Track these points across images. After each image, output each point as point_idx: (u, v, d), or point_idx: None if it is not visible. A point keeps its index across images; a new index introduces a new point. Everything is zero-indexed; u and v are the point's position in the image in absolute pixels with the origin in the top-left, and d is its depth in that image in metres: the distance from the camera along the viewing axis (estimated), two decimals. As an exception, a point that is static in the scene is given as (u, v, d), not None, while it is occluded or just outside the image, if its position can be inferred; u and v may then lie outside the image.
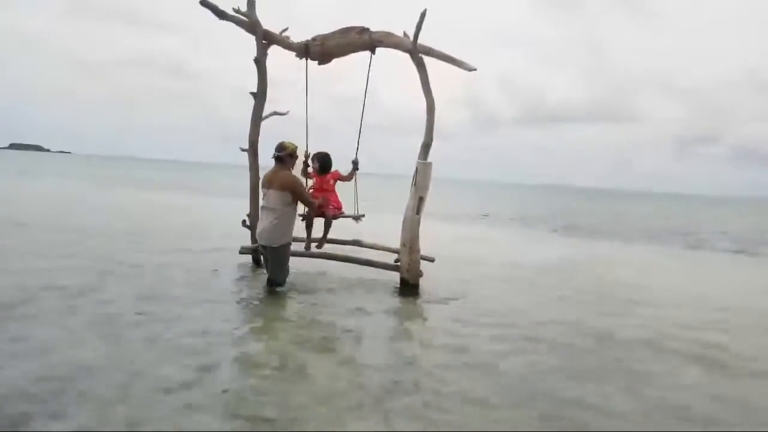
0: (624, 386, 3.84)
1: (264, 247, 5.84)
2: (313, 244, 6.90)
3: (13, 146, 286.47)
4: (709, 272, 10.82)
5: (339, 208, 6.79)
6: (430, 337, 4.86)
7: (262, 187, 5.91)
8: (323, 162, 6.71)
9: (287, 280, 6.05)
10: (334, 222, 6.78)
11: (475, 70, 6.04)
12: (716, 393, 3.84)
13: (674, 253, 13.37)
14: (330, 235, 7.04)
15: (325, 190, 6.71)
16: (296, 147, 5.94)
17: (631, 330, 5.38)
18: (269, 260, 5.89)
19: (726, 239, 17.85)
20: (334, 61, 6.83)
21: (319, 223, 6.78)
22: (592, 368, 4.19)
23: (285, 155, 5.82)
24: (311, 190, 6.65)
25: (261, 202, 5.99)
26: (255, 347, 4.23)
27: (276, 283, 5.90)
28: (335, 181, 6.80)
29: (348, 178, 6.81)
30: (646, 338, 5.11)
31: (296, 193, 5.74)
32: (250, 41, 6.95)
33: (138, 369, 3.56)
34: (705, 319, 6.07)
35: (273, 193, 5.68)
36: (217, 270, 6.88)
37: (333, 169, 6.80)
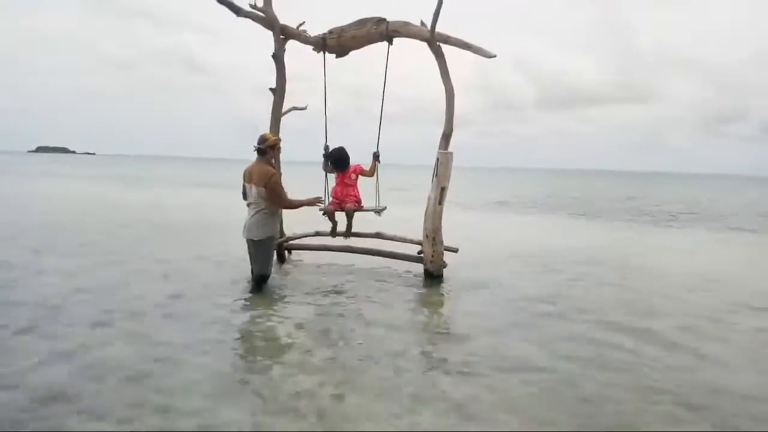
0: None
1: (248, 241, 5.66)
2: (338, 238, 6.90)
3: (39, 149, 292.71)
4: None
5: (359, 202, 6.69)
6: (455, 330, 4.84)
7: (244, 181, 5.64)
8: (339, 158, 6.59)
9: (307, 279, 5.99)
10: (356, 214, 6.71)
11: (495, 56, 5.96)
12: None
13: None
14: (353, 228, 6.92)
15: (347, 185, 6.65)
16: (278, 139, 5.80)
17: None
18: (253, 255, 5.70)
19: None
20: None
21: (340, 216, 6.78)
22: (614, 361, 4.14)
23: (266, 147, 5.59)
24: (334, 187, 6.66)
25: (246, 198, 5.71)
26: (279, 337, 4.30)
27: (262, 279, 5.77)
28: (357, 176, 6.68)
29: (370, 173, 6.66)
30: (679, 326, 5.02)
31: (270, 190, 5.45)
32: (268, 37, 6.96)
33: (167, 357, 3.65)
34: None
35: (253, 188, 5.51)
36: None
37: (353, 163, 6.67)
